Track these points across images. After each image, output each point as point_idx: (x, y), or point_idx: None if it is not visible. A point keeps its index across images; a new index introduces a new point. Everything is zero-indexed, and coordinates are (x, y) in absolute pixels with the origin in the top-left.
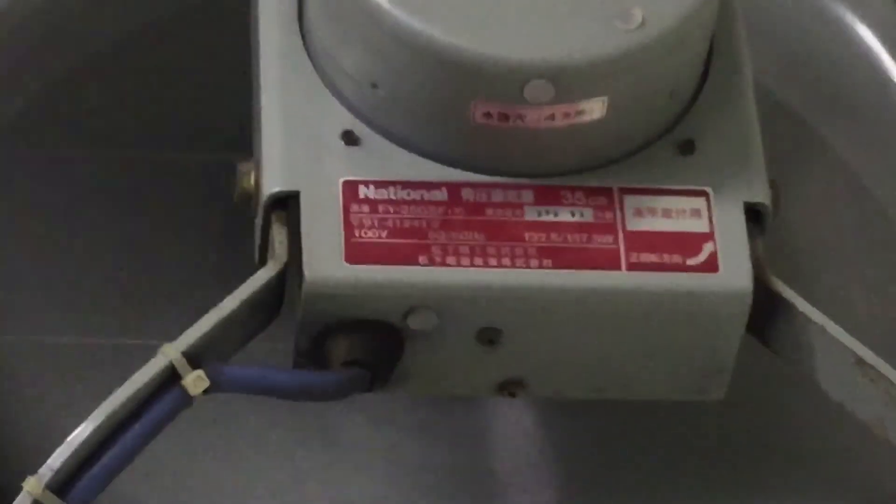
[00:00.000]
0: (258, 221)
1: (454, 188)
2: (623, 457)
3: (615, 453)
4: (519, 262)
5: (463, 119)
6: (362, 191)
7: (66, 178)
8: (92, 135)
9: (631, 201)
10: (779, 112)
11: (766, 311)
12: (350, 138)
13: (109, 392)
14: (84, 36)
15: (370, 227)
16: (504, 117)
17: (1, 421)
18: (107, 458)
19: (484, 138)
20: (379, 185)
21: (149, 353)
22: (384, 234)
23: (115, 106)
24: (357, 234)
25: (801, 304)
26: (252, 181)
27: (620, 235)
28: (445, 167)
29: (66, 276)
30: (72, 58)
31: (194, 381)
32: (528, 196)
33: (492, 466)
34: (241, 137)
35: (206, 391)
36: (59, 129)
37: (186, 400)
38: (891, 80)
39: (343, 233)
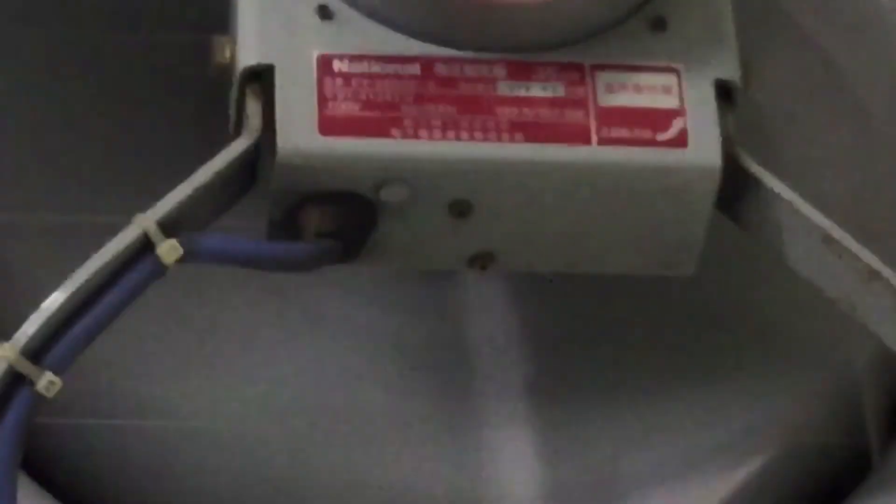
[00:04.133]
0: (233, 95)
1: (427, 62)
2: (596, 332)
3: (587, 329)
4: (490, 135)
5: None
6: (336, 64)
7: (40, 57)
8: (70, 14)
9: (602, 77)
10: None
11: (734, 188)
12: (325, 13)
13: None
14: None
15: (344, 100)
16: None
17: None
18: (80, 326)
19: (457, 13)
20: (353, 58)
21: None
22: (358, 107)
23: None
24: (331, 107)
25: (770, 181)
26: (227, 55)
27: (591, 110)
28: (419, 42)
29: (44, 154)
30: None
31: (168, 249)
32: (500, 71)
33: (467, 342)
34: (221, 17)
35: (179, 260)
36: (39, 9)
37: (160, 269)
38: None
39: (317, 105)
